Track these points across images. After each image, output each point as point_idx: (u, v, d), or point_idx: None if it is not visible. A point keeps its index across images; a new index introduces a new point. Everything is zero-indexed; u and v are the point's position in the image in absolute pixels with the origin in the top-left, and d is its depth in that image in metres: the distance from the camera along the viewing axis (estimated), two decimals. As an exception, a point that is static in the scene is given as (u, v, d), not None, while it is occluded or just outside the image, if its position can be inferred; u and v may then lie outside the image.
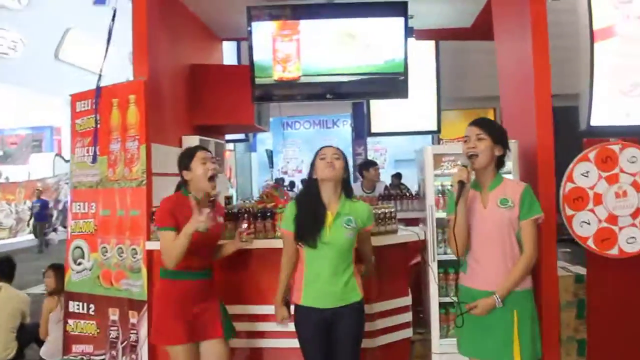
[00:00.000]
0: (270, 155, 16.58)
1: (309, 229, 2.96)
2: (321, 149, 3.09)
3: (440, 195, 4.27)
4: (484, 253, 2.82)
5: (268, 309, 3.80)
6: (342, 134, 17.62)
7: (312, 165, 3.07)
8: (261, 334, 3.98)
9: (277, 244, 3.87)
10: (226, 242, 3.54)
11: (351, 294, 3.01)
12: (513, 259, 2.78)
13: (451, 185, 3.00)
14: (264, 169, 17.64)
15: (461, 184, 2.75)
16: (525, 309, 2.78)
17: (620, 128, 4.32)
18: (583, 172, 3.80)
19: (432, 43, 10.59)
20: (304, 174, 16.98)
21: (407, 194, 6.47)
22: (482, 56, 12.57)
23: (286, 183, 14.79)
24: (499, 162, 2.88)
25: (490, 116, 15.05)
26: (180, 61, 5.34)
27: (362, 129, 14.69)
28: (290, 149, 18.34)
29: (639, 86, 6.04)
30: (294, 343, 3.52)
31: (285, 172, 17.94)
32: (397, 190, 7.44)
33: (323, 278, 2.97)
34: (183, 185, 3.26)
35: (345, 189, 3.08)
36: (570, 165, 3.82)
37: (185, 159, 3.23)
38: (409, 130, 11.28)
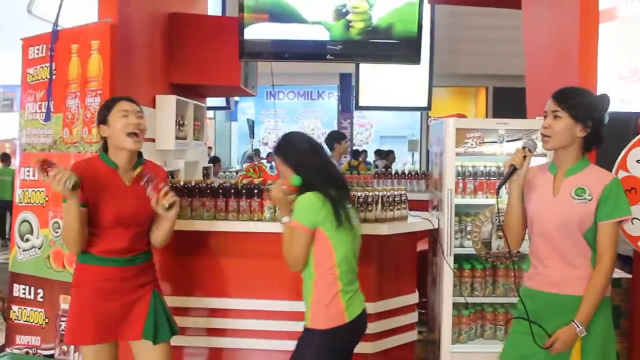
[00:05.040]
0: (251, 125, 15.78)
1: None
2: None
3: (460, 178, 3.64)
4: (544, 248, 2.34)
5: (231, 303, 3.44)
6: (327, 106, 16.93)
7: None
8: (221, 332, 3.49)
9: (263, 227, 3.33)
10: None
11: None
12: (579, 256, 2.27)
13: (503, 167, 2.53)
14: (244, 139, 16.90)
15: (512, 168, 2.33)
16: (594, 323, 2.23)
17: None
18: (639, 159, 3.17)
19: (427, 17, 9.91)
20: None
21: (412, 174, 5.87)
22: (477, 32, 12.04)
23: (263, 154, 14.09)
24: (587, 145, 2.30)
25: (482, 96, 14.51)
26: (158, 8, 4.56)
27: (348, 102, 14.07)
28: (272, 119, 17.58)
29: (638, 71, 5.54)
30: (258, 344, 3.41)
31: (266, 144, 17.20)
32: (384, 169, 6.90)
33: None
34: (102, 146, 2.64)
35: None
36: (624, 150, 3.17)
37: (103, 111, 2.58)
38: (398, 105, 10.69)
